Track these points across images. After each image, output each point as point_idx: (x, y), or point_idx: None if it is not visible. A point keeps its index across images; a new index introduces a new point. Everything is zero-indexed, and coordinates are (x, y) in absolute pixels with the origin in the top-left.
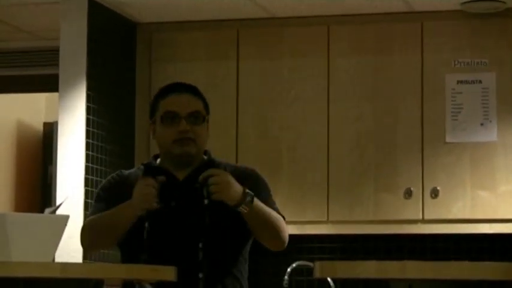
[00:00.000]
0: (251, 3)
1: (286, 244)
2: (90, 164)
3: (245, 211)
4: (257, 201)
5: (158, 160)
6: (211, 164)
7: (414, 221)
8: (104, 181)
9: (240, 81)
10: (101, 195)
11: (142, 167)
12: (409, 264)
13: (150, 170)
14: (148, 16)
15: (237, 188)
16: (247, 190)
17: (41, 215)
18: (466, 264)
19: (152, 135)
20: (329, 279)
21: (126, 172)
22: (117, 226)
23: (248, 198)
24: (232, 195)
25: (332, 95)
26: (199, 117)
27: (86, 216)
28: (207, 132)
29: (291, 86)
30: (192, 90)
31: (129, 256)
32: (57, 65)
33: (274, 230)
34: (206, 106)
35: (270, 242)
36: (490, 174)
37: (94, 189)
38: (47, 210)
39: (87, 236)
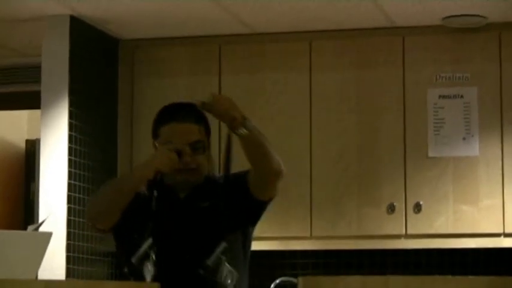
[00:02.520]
0: (233, 19)
1: (283, 169)
2: (72, 181)
3: (246, 132)
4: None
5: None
6: (210, 180)
7: (397, 236)
8: None
9: (223, 92)
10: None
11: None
12: (392, 279)
13: (154, 185)
14: (131, 33)
15: (238, 109)
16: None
17: (23, 232)
18: (450, 279)
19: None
20: None
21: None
22: (130, 187)
23: (247, 122)
24: (238, 111)
25: (314, 109)
26: (200, 147)
27: (68, 232)
28: (209, 158)
29: (273, 101)
30: (192, 117)
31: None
32: (39, 81)
33: (269, 154)
34: (207, 128)
35: (268, 169)
36: (473, 188)
37: (77, 206)
38: (30, 228)
39: (95, 204)
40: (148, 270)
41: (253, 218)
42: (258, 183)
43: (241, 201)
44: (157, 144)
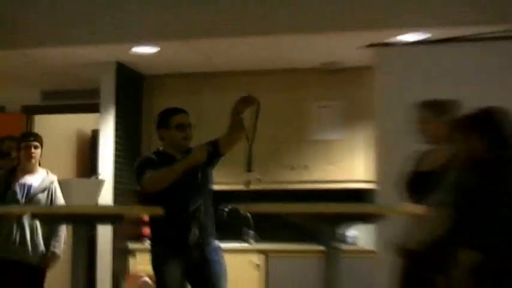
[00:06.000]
0: (209, 62)
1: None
2: (117, 152)
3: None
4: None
5: (161, 148)
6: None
7: (296, 182)
8: (142, 159)
9: (203, 108)
10: (151, 162)
11: (153, 153)
12: (290, 205)
13: (159, 154)
14: (151, 71)
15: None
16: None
17: (89, 179)
18: (327, 205)
19: (161, 135)
20: (248, 214)
21: (150, 154)
22: (178, 172)
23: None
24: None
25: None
26: (192, 127)
27: (115, 181)
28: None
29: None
30: (187, 112)
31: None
32: (98, 97)
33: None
34: None
35: (239, 140)
36: (336, 156)
37: (119, 166)
38: (93, 177)
39: (153, 184)
40: None
41: (214, 164)
42: (228, 147)
43: (213, 155)
44: (172, 124)
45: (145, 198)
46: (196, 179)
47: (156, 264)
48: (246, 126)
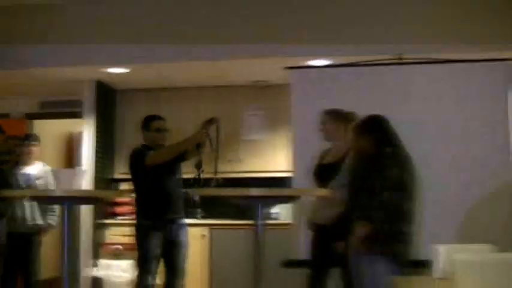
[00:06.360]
0: (167, 80)
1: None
2: (97, 149)
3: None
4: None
5: (145, 143)
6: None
7: (242, 172)
8: (135, 150)
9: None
10: (143, 152)
11: (140, 146)
12: (228, 190)
13: (145, 146)
14: (124, 86)
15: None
16: None
17: (75, 169)
18: (254, 189)
19: (144, 134)
20: (197, 196)
21: (139, 147)
22: (180, 150)
23: None
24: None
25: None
26: (167, 131)
27: (95, 170)
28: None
29: (190, 119)
30: (164, 119)
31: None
32: (81, 107)
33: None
34: None
35: None
36: (261, 153)
37: (99, 160)
38: (77, 168)
39: (156, 157)
40: None
41: (181, 163)
42: (191, 155)
43: (180, 159)
44: (152, 128)
45: (143, 181)
46: (176, 170)
47: (141, 236)
48: (210, 140)
